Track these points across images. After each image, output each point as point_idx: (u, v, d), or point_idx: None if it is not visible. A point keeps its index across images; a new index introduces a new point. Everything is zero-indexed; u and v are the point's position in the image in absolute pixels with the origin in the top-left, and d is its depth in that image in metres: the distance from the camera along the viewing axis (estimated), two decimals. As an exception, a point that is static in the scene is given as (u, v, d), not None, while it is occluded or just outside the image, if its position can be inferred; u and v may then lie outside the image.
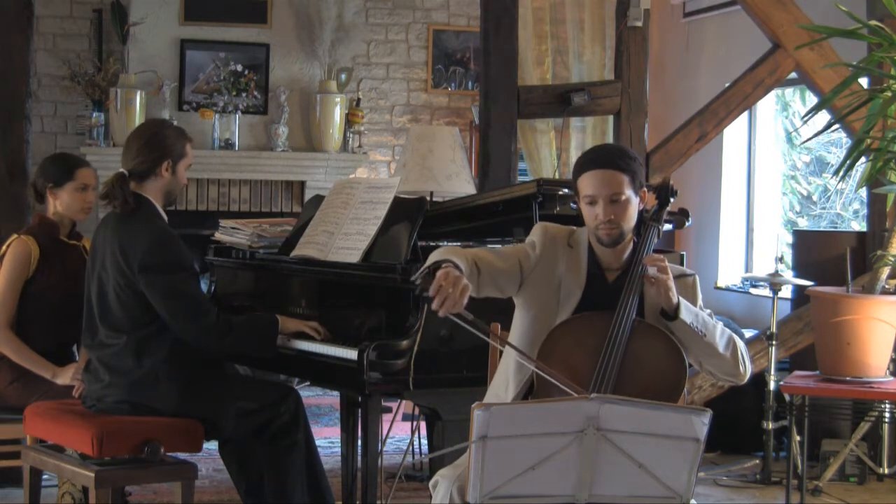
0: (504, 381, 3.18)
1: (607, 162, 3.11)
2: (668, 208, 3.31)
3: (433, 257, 3.08)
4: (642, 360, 2.99)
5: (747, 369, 3.13)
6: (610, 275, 3.18)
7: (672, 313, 3.03)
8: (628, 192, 3.10)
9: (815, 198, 7.69)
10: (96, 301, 3.96)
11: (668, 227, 3.49)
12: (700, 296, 3.22)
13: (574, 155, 8.47)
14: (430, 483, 3.09)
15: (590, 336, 3.02)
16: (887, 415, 5.37)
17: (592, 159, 3.14)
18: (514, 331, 3.25)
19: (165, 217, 4.03)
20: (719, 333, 3.09)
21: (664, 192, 3.29)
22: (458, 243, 4.60)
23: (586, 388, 2.93)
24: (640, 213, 3.18)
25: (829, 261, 5.77)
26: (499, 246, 3.27)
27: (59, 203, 4.41)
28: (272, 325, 4.01)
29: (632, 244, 3.19)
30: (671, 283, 3.02)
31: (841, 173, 4.86)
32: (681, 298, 3.05)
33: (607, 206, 3.08)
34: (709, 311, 3.21)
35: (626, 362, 2.98)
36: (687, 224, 3.59)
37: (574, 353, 3.02)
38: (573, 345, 3.03)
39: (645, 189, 3.18)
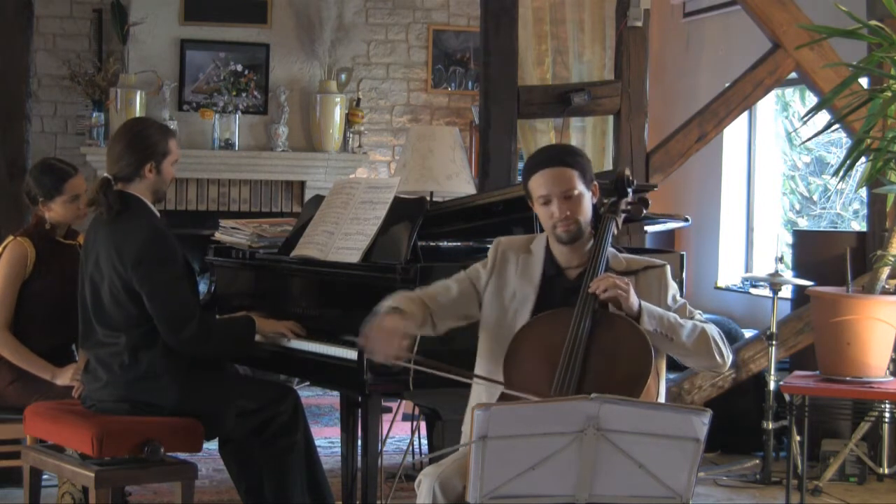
0: (477, 398, 3.19)
1: (555, 160, 3.14)
2: (628, 199, 3.30)
3: (381, 305, 3.16)
4: (606, 350, 2.98)
5: (725, 358, 3.09)
6: (571, 272, 3.19)
7: (635, 318, 3.01)
8: (580, 187, 3.12)
9: (815, 198, 7.69)
10: (91, 302, 3.96)
11: (628, 219, 3.46)
12: (672, 285, 3.18)
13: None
14: (416, 482, 3.11)
15: (554, 333, 3.02)
16: (887, 415, 5.37)
17: (540, 161, 3.17)
18: (479, 349, 3.27)
19: (157, 213, 4.04)
20: (687, 332, 3.04)
21: (620, 184, 3.30)
22: (459, 243, 4.60)
23: (552, 383, 2.93)
24: (596, 207, 3.19)
25: (829, 261, 5.77)
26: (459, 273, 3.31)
27: (52, 214, 4.41)
28: (248, 327, 4.02)
29: (591, 240, 3.19)
30: (624, 294, 2.99)
31: (841, 173, 4.86)
32: (643, 304, 3.02)
33: (562, 202, 3.11)
34: (683, 301, 3.17)
35: (592, 354, 2.97)
36: (645, 211, 3.53)
37: (539, 352, 3.02)
38: (538, 344, 3.04)
39: (596, 183, 3.19)
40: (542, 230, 3.26)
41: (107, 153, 4.05)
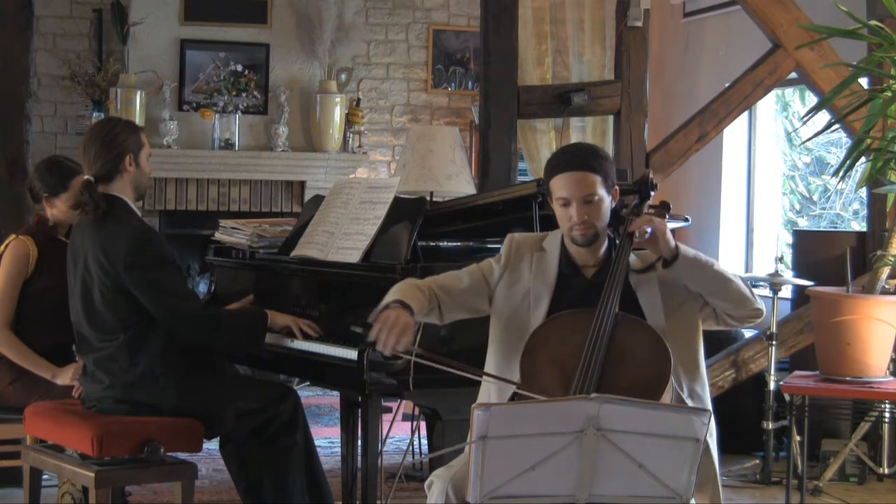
0: (486, 395, 3.19)
1: (580, 164, 3.12)
2: (650, 202, 3.31)
3: (388, 295, 3.13)
4: (626, 353, 3.00)
5: (758, 300, 3.16)
6: (587, 271, 3.20)
7: (674, 254, 3.05)
8: (601, 192, 3.12)
9: (815, 198, 7.69)
10: (81, 306, 3.95)
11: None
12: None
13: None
14: (426, 483, 3.10)
15: (574, 333, 3.03)
16: (887, 415, 5.37)
17: (565, 161, 3.15)
18: (490, 342, 3.26)
19: (139, 213, 4.04)
20: (720, 266, 3.12)
21: (643, 187, 3.30)
22: (459, 243, 4.60)
23: (570, 384, 2.93)
24: (618, 209, 3.20)
25: (829, 261, 5.77)
26: (472, 265, 3.30)
27: (55, 211, 4.42)
28: (261, 319, 4.02)
29: (607, 240, 3.20)
30: (665, 229, 3.05)
31: (841, 173, 4.86)
32: (678, 244, 3.09)
33: (581, 207, 3.10)
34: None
35: (610, 356, 2.98)
36: (667, 217, 3.55)
37: (559, 350, 3.03)
38: (557, 342, 3.04)
39: (616, 188, 3.20)
40: (542, 229, 3.26)
41: (82, 157, 4.00)
